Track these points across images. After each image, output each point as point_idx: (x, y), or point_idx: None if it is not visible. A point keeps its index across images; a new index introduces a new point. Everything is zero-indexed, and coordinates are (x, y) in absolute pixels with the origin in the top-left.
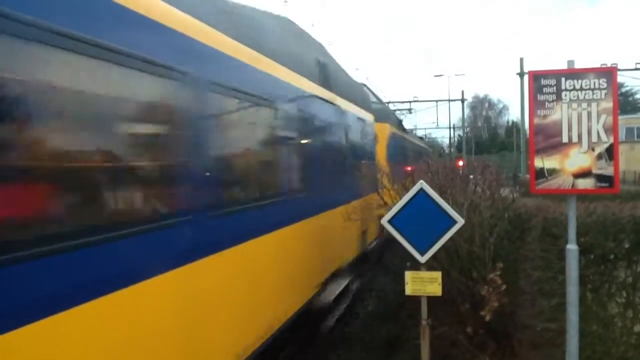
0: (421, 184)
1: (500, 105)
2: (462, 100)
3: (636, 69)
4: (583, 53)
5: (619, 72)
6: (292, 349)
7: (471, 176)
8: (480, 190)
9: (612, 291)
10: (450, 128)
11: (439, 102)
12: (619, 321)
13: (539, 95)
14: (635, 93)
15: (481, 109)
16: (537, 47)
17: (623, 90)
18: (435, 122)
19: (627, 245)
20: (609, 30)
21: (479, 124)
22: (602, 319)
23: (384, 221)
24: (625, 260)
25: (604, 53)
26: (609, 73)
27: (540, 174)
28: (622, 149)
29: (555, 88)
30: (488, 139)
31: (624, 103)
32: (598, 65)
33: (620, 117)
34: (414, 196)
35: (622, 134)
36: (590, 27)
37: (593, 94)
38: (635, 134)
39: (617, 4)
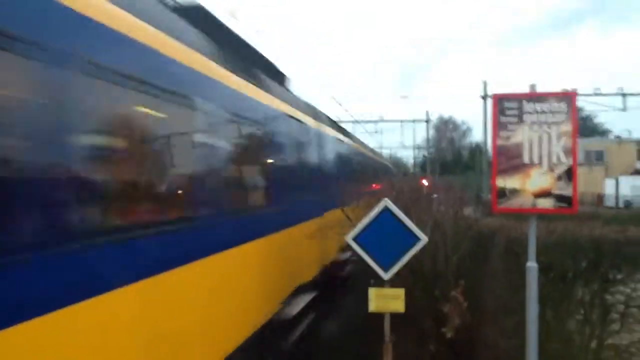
0: (385, 202)
1: (464, 127)
2: (427, 121)
3: (595, 94)
4: (544, 78)
5: (579, 97)
6: None
7: (435, 195)
8: (443, 209)
9: (570, 308)
10: (414, 148)
11: (404, 123)
12: (578, 338)
13: (502, 117)
14: (594, 117)
15: (445, 130)
16: (500, 71)
17: (583, 114)
18: (401, 142)
19: (584, 264)
20: (570, 57)
21: (443, 144)
22: (562, 336)
23: (349, 238)
24: (583, 278)
25: (564, 79)
26: (568, 98)
27: (502, 193)
28: (580, 171)
29: (517, 111)
30: (452, 160)
31: (583, 127)
32: (559, 90)
33: (579, 141)
34: (379, 214)
35: (581, 157)
36: (552, 54)
37: (554, 117)
38: (594, 157)
39: (581, 32)
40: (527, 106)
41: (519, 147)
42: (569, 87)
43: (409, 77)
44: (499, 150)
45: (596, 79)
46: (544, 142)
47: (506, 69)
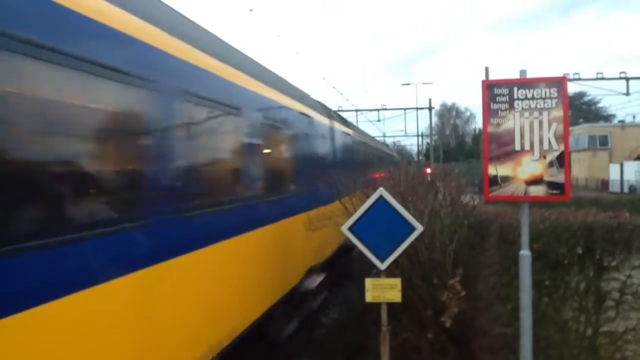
0: (381, 191)
1: (468, 114)
2: (430, 109)
3: (597, 79)
4: (546, 63)
5: (581, 82)
6: (254, 355)
7: (438, 183)
8: (441, 197)
9: (566, 296)
10: (418, 136)
11: (407, 111)
12: (573, 325)
13: (492, 104)
14: (597, 102)
15: (449, 117)
16: (502, 57)
17: (585, 99)
18: (404, 131)
19: (579, 251)
20: (573, 41)
21: (447, 131)
22: (557, 323)
23: (344, 228)
24: (578, 265)
25: (566, 63)
26: (559, 83)
27: (494, 181)
28: (584, 157)
29: (508, 97)
30: (456, 147)
31: (587, 112)
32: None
33: (582, 126)
34: (374, 204)
35: (584, 142)
36: (554, 39)
37: (544, 103)
38: (598, 142)
39: (585, 17)
40: (518, 92)
41: (510, 133)
42: (570, 71)
43: (410, 65)
44: (490, 138)
45: (599, 63)
46: (535, 129)
47: (508, 54)
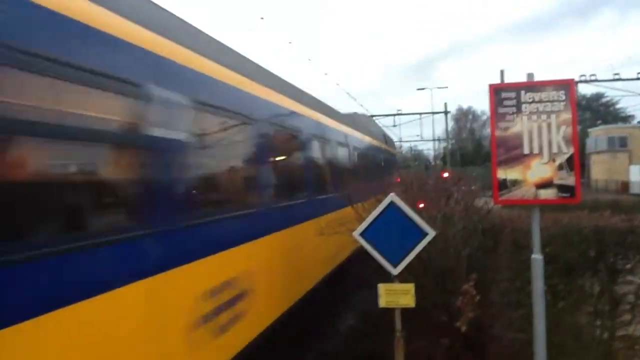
0: (391, 197)
1: (484, 117)
2: (446, 113)
3: (614, 80)
4: (562, 65)
5: (599, 83)
6: None
7: (451, 188)
8: (453, 202)
9: (580, 300)
10: (434, 140)
11: (422, 115)
12: (588, 330)
13: (499, 107)
14: (616, 103)
15: (465, 121)
16: (517, 59)
17: (603, 100)
18: (420, 135)
19: (592, 254)
20: (589, 42)
21: (464, 135)
22: (571, 329)
23: (356, 234)
24: (591, 269)
25: (583, 64)
26: (566, 85)
27: (503, 185)
28: (604, 159)
29: (515, 101)
30: (473, 151)
31: (605, 113)
32: (577, 77)
33: (601, 127)
34: (385, 209)
35: (604, 144)
36: (571, 40)
37: (552, 105)
38: (617, 144)
39: (602, 18)
40: (525, 96)
41: (518, 137)
42: (587, 72)
43: (425, 70)
44: (498, 142)
45: (615, 64)
46: (543, 132)
47: (523, 57)
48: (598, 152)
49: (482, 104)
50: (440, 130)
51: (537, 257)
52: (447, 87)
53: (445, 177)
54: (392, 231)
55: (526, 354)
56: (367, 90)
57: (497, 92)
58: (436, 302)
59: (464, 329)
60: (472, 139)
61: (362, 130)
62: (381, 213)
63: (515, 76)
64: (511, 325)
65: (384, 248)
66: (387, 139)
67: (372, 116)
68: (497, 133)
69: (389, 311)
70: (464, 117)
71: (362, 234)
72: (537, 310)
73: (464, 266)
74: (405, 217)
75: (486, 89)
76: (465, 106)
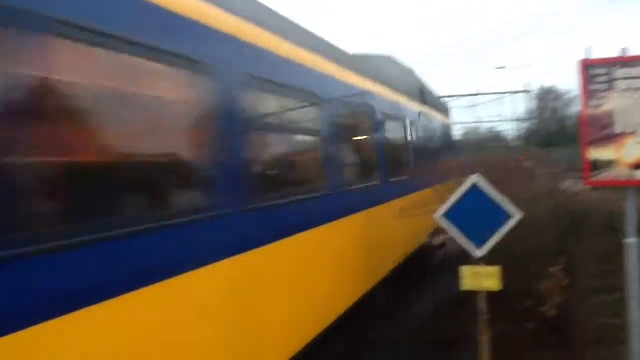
0: (475, 178)
1: (568, 96)
2: (526, 91)
3: None
4: None
5: None
6: (344, 346)
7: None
8: (540, 183)
9: None
10: (514, 121)
11: (503, 95)
12: None
13: (590, 85)
14: None
15: (547, 101)
16: (601, 35)
17: None
18: (500, 115)
19: None
20: None
21: (546, 115)
22: None
23: (437, 216)
24: None
25: None
26: None
27: (595, 166)
28: None
29: (607, 77)
30: (556, 131)
31: None
32: None
33: None
34: (468, 191)
35: None
36: None
37: None
38: None
39: None
40: (618, 72)
41: (609, 116)
42: None
43: (504, 49)
44: (590, 120)
45: None
46: (638, 109)
47: (607, 33)
48: None
49: (565, 83)
50: (520, 111)
51: (632, 241)
52: (528, 66)
53: (526, 160)
54: (476, 213)
55: (614, 339)
56: (440, 70)
57: (588, 68)
58: (520, 285)
59: (551, 313)
60: (555, 118)
61: (430, 105)
62: (464, 194)
63: (601, 53)
64: (602, 309)
65: (467, 230)
66: (447, 110)
67: (450, 96)
68: (588, 112)
69: (469, 295)
70: (546, 96)
71: (444, 215)
72: (632, 296)
73: (551, 249)
74: (489, 199)
75: (571, 67)
76: (548, 85)
